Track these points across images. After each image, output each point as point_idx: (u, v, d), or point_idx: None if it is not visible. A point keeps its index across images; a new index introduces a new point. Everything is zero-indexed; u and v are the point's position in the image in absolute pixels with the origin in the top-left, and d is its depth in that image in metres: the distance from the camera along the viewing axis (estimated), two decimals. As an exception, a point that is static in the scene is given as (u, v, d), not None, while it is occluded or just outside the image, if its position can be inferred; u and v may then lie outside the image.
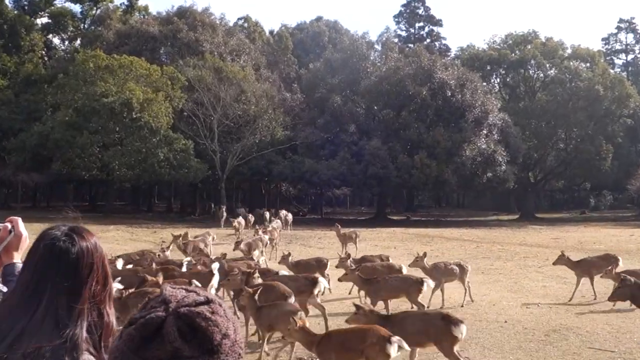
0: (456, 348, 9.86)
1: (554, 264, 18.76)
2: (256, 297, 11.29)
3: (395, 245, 34.25)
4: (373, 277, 14.92)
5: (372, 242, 36.19)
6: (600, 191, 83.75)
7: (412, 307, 14.28)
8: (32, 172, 55.32)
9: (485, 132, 59.03)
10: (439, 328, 9.84)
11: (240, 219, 35.87)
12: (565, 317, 14.97)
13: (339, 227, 31.28)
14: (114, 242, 33.07)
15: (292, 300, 11.64)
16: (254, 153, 58.71)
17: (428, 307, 15.69)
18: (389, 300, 14.31)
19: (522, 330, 13.59)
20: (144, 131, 52.07)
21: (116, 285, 13.37)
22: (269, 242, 26.69)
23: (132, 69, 54.16)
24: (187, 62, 58.94)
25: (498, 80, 79.39)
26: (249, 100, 58.87)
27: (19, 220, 3.03)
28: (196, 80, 56.29)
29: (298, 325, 9.44)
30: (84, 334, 2.34)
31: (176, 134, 54.28)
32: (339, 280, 14.92)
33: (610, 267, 15.91)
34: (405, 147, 58.04)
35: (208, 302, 1.62)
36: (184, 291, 1.66)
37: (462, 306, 16.13)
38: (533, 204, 73.73)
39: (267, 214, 43.68)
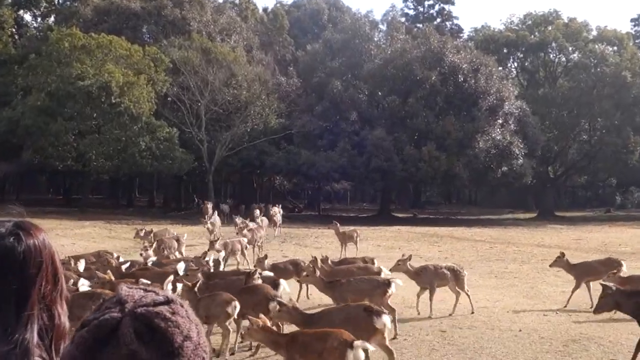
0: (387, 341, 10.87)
1: (550, 265, 18.98)
2: (195, 289, 12.22)
3: (400, 246, 34.24)
4: (336, 279, 14.94)
5: (374, 241, 36.23)
6: (627, 188, 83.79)
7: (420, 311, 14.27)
8: (0, 162, 55.27)
9: (500, 121, 58.99)
10: (361, 319, 10.60)
11: (215, 219, 35.33)
12: (586, 326, 14.98)
13: (338, 225, 31.24)
14: (90, 239, 33.11)
15: (273, 305, 11.80)
16: (245, 143, 58.65)
17: (430, 316, 15.77)
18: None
19: (539, 340, 13.62)
20: (124, 118, 52.00)
21: (84, 282, 13.60)
22: (248, 244, 26.52)
23: (112, 49, 54.01)
24: (172, 42, 58.85)
25: (515, 64, 79.31)
26: (240, 85, 58.80)
27: None
28: (182, 62, 56.19)
29: (258, 325, 9.72)
30: (35, 338, 2.32)
31: (159, 121, 54.21)
32: (298, 282, 14.99)
33: (614, 272, 15.97)
34: (412, 137, 58.03)
35: (168, 302, 1.61)
36: (141, 291, 1.65)
37: (450, 315, 15.98)
38: (552, 201, 73.76)
39: (257, 211, 43.49)
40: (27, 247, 2.38)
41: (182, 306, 1.63)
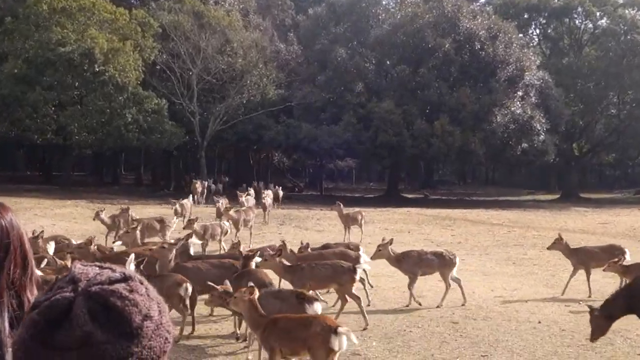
0: None
1: (548, 248, 19.08)
2: (141, 267, 12.64)
3: (410, 229, 34.35)
4: (297, 264, 14.99)
5: (381, 224, 36.27)
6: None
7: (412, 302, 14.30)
8: (-28, 135, 55.34)
9: (520, 93, 58.87)
10: (292, 306, 11.12)
11: (185, 202, 34.54)
12: (611, 318, 15.03)
13: (341, 206, 31.16)
14: (71, 220, 33.19)
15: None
16: (240, 116, 58.59)
17: (408, 306, 15.82)
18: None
19: (559, 333, 13.66)
20: (108, 87, 51.90)
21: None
22: (236, 227, 26.52)
23: (95, 12, 53.84)
24: (161, 4, 58.65)
25: (537, 31, 79.05)
26: (235, 52, 58.63)
27: None
28: (172, 26, 56.01)
29: (249, 295, 9.84)
30: (7, 327, 2.32)
31: (147, 92, 54.13)
32: (257, 266, 14.98)
33: (616, 260, 16.00)
34: (423, 110, 57.92)
35: (125, 279, 1.62)
36: (97, 268, 1.65)
37: (438, 306, 15.88)
38: (577, 181, 73.81)
39: (252, 191, 43.37)
40: None
41: (141, 283, 1.64)
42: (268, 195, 40.22)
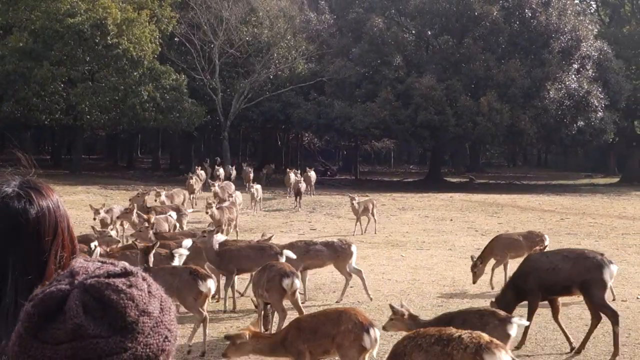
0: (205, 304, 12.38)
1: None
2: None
3: (453, 216, 34.34)
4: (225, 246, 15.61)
5: (421, 211, 36.29)
6: None
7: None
8: (-24, 115, 55.79)
9: (576, 66, 58.51)
10: (185, 282, 12.19)
11: (163, 195, 32.13)
12: (673, 314, 14.99)
13: (356, 199, 29.10)
14: (82, 208, 33.30)
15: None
16: (267, 92, 58.72)
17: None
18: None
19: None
20: (122, 62, 52.18)
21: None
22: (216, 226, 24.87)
23: (107, -20, 54.16)
24: (179, -30, 58.87)
25: (595, -4, 78.35)
26: (261, 22, 58.74)
27: None
28: (191, -6, 56.22)
29: (245, 336, 9.78)
30: None
31: (165, 67, 54.36)
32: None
33: (538, 248, 16.20)
34: (468, 86, 57.73)
35: (126, 274, 1.67)
36: (98, 263, 1.72)
37: (337, 302, 15.91)
38: (639, 163, 73.18)
39: (251, 175, 43.15)
40: (40, 209, 2.44)
41: (143, 279, 1.68)
42: (254, 190, 37.02)
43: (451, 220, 33.01)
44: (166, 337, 1.66)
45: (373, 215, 28.94)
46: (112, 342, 1.56)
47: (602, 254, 13.39)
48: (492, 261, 17.61)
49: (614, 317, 12.40)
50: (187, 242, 15.53)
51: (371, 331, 9.37)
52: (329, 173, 68.31)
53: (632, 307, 15.60)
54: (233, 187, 35.10)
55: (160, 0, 55.50)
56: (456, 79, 56.58)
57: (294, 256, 15.26)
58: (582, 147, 74.06)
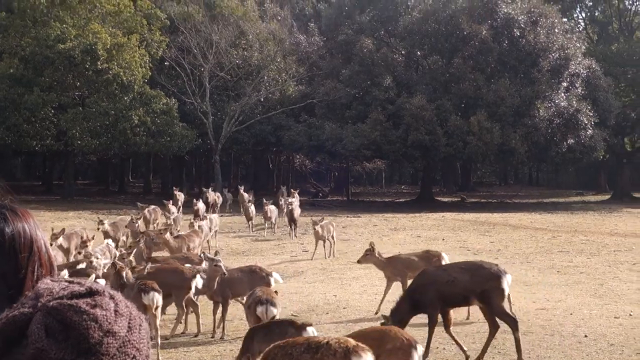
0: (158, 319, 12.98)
1: (358, 261, 18.43)
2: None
3: (445, 236, 34.37)
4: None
5: (413, 231, 36.35)
6: None
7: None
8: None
9: (565, 84, 58.66)
10: (134, 296, 12.53)
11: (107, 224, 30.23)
12: (666, 330, 15.02)
13: (319, 223, 27.99)
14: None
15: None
16: (257, 115, 58.79)
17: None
18: None
19: (607, 348, 13.66)
20: (112, 87, 52.22)
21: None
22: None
23: (97, 5, 54.27)
24: (168, -6, 59.06)
25: (583, 14, 78.82)
26: (251, 45, 58.88)
27: None
28: (181, 18, 56.39)
29: None
30: None
31: (155, 91, 54.43)
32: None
33: None
34: (458, 105, 57.87)
35: (91, 294, 1.65)
36: (65, 284, 1.70)
37: (467, 319, 16.05)
38: (630, 180, 73.33)
39: (246, 196, 41.69)
40: (14, 227, 2.44)
41: (111, 298, 1.67)
42: (269, 208, 36.69)
43: (443, 239, 33.04)
44: (134, 356, 1.64)
45: (332, 238, 28.42)
46: None
47: (497, 265, 13.97)
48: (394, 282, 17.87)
49: (513, 323, 12.83)
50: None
51: (419, 348, 9.63)
52: (320, 194, 68.34)
53: (624, 323, 15.63)
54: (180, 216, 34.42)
55: (150, 25, 55.62)
56: (446, 99, 56.72)
57: (281, 280, 15.51)
58: (573, 165, 74.12)
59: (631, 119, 70.72)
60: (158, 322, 13.44)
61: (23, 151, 62.84)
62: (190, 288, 15.13)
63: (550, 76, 57.47)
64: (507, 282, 13.32)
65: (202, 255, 17.43)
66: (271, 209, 35.82)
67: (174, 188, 47.75)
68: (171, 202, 38.61)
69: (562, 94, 57.71)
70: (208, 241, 27.67)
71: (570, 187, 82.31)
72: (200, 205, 37.64)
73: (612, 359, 12.85)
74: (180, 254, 19.55)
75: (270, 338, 9.72)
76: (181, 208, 39.42)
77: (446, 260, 17.62)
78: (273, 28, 60.14)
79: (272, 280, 15.48)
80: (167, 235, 22.25)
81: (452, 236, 34.39)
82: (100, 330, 1.59)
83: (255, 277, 15.41)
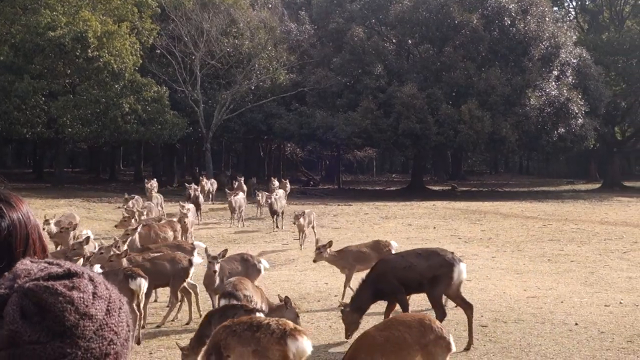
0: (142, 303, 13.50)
1: (314, 261, 18.11)
2: None
3: (436, 224, 34.38)
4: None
5: (404, 219, 36.35)
6: None
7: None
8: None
9: (555, 73, 58.71)
10: (120, 283, 12.67)
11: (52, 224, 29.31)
12: (656, 318, 15.05)
13: (300, 218, 27.40)
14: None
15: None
16: (248, 103, 58.69)
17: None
18: None
19: (598, 336, 13.67)
20: (103, 75, 51.99)
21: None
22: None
23: (87, -7, 54.05)
24: (159, -18, 58.80)
25: (574, 3, 78.83)
26: (242, 34, 58.69)
27: None
28: (172, 6, 56.14)
29: None
30: None
31: (146, 79, 54.22)
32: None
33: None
34: (449, 94, 57.82)
35: (69, 275, 1.63)
36: (44, 264, 1.67)
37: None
38: (620, 169, 73.52)
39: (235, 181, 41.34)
40: (10, 222, 2.42)
41: (90, 280, 1.64)
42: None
43: (434, 228, 33.06)
44: (111, 340, 1.62)
45: (313, 228, 28.38)
46: (50, 348, 1.52)
47: (452, 253, 14.14)
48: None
49: (441, 316, 12.94)
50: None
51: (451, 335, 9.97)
52: (311, 183, 68.33)
53: (615, 311, 15.65)
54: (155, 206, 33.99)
55: (141, 13, 55.39)
56: (437, 88, 56.70)
57: (267, 265, 16.03)
58: (563, 154, 74.21)
59: (621, 108, 70.94)
60: (142, 306, 13.79)
61: (14, 139, 62.63)
62: (187, 277, 15.31)
63: (541, 65, 57.54)
64: (458, 271, 13.58)
65: (193, 244, 17.58)
66: (236, 199, 35.17)
67: (146, 180, 45.85)
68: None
69: (553, 83, 57.77)
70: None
71: (561, 176, 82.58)
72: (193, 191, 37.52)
73: (602, 347, 12.84)
74: (172, 242, 19.50)
75: (224, 321, 9.93)
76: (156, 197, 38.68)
77: (395, 248, 17.65)
78: (264, 16, 59.92)
79: (262, 267, 15.71)
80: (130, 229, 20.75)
81: (443, 224, 34.40)
82: (76, 313, 1.57)
83: (248, 265, 15.49)
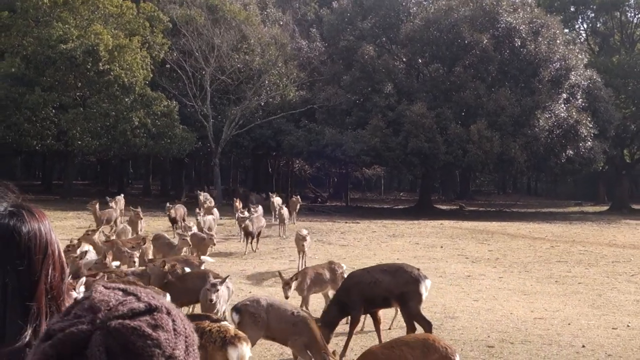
0: None
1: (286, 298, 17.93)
2: None
3: (443, 244, 34.29)
4: None
5: (412, 238, 36.26)
6: None
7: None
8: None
9: (565, 95, 58.64)
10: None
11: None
12: (663, 342, 14.99)
13: (302, 235, 26.52)
14: (73, 232, 33.28)
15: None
16: (258, 119, 58.71)
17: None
18: None
19: (605, 358, 13.66)
20: (113, 88, 52.16)
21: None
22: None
23: (99, 6, 54.19)
24: (171, -3, 59.00)
25: (585, 26, 78.84)
26: (253, 50, 58.80)
27: None
28: (183, 21, 56.27)
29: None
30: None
31: (156, 93, 54.35)
32: None
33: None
34: (458, 113, 57.85)
35: (150, 310, 1.58)
36: (120, 294, 1.62)
37: (390, 328, 16.07)
38: (628, 191, 73.36)
39: (278, 200, 41.67)
40: (31, 229, 2.45)
41: (168, 314, 1.60)
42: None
43: (441, 247, 32.98)
44: None
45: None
46: None
47: (418, 269, 14.48)
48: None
49: (427, 327, 13.51)
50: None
51: (457, 357, 9.84)
52: (319, 200, 68.31)
53: (622, 334, 15.61)
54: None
55: (152, 27, 55.54)
56: (447, 107, 56.69)
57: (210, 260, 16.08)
58: (572, 176, 74.11)
59: (631, 131, 70.78)
60: None
61: (23, 150, 62.80)
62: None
63: (551, 86, 57.44)
64: (425, 287, 13.96)
65: (201, 258, 17.60)
66: (205, 220, 32.34)
67: (109, 200, 43.49)
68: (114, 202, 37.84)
69: (562, 105, 57.71)
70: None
71: (569, 198, 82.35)
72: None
73: (609, 370, 12.82)
74: (181, 257, 19.48)
75: None
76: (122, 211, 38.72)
77: (344, 271, 17.26)
78: (275, 33, 60.04)
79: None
80: (95, 237, 22.31)
81: (450, 244, 34.32)
82: (162, 356, 1.53)
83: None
